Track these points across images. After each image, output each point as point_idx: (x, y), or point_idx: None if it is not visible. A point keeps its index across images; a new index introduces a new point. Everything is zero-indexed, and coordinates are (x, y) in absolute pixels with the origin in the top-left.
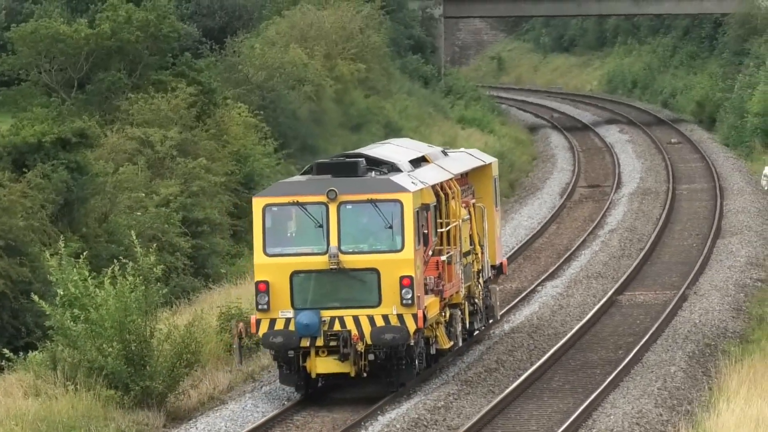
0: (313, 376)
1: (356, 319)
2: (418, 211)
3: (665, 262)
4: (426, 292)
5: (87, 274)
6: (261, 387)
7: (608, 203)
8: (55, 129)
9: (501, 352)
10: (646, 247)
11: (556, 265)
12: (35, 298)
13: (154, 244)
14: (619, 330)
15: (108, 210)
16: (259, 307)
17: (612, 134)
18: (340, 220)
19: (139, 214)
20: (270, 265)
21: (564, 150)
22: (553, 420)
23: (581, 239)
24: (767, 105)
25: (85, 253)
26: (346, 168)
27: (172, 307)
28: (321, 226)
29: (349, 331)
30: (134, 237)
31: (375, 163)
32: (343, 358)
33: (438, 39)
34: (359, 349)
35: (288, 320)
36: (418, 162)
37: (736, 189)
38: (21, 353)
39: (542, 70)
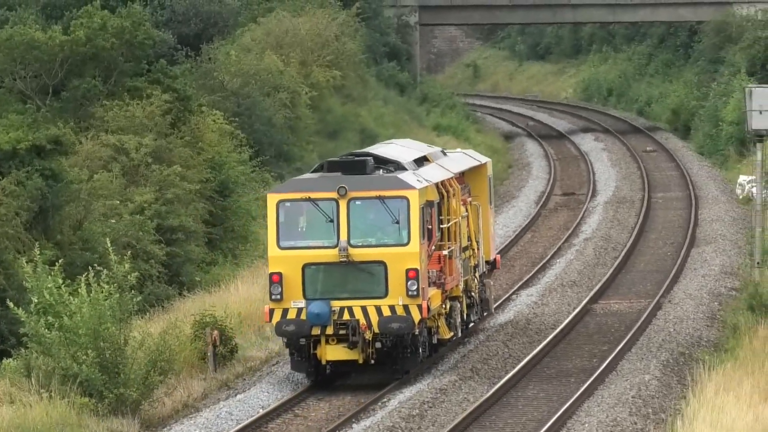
0: (323, 362)
1: (364, 309)
2: (423, 208)
3: (640, 270)
4: (429, 285)
5: (61, 281)
6: (235, 395)
7: (583, 211)
8: (29, 136)
9: (476, 360)
10: (621, 256)
11: (531, 274)
12: (10, 305)
13: (129, 252)
14: (594, 338)
15: (82, 217)
16: (273, 297)
17: (587, 142)
18: (349, 215)
19: (113, 221)
20: (283, 258)
21: (539, 158)
22: (528, 428)
23: (556, 247)
24: (741, 113)
25: (60, 261)
26: (356, 166)
27: (146, 314)
28: (332, 220)
29: (358, 321)
30: (109, 244)
31: (382, 162)
32: (352, 345)
33: (413, 46)
34: (367, 337)
35: (300, 310)
36: (420, 161)
37: (711, 198)
38: None
39: (518, 77)
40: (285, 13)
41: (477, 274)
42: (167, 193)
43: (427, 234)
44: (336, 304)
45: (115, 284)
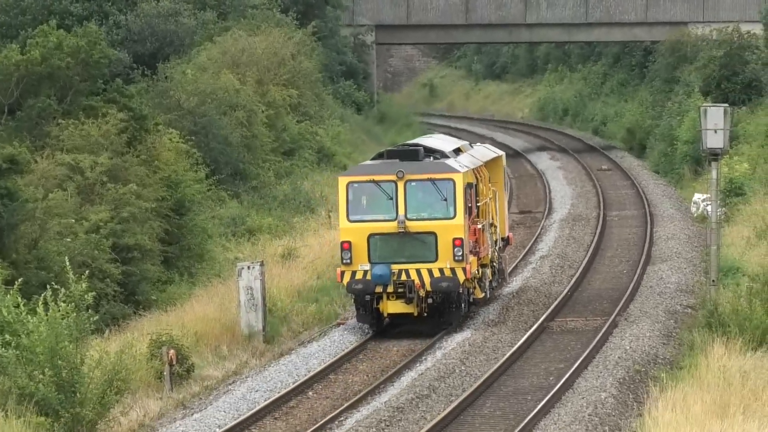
0: (385, 315)
1: (418, 272)
2: (465, 188)
3: (596, 288)
4: (469, 252)
5: (19, 300)
6: (192, 414)
7: (539, 229)
8: None
9: (433, 378)
10: (577, 274)
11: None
12: None
13: (85, 271)
14: (551, 356)
15: (38, 236)
16: (344, 261)
17: (543, 161)
18: (406, 194)
19: (69, 240)
20: (352, 229)
21: None
22: None
23: (513, 265)
24: (696, 132)
25: (20, 280)
26: (410, 154)
27: (102, 334)
28: (392, 198)
29: (413, 281)
30: (67, 263)
31: (429, 151)
32: (409, 301)
33: (370, 65)
34: (421, 294)
35: (366, 272)
36: (457, 151)
37: (666, 216)
38: None
39: (474, 97)
40: (241, 33)
41: (497, 248)
42: (123, 211)
43: (467, 210)
44: (395, 267)
45: (72, 303)
